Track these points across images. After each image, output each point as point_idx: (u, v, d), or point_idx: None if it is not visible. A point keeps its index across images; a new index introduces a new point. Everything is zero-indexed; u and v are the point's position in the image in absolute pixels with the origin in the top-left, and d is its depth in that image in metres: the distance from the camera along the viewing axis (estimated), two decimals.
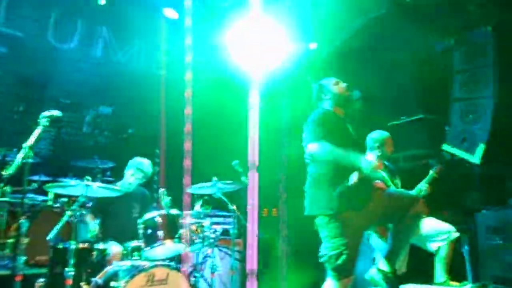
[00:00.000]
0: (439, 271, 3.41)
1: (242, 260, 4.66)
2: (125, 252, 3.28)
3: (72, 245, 3.04)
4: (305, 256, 4.11)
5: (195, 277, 3.74)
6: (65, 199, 4.29)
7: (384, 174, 3.61)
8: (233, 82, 4.74)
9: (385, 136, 3.75)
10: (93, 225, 3.54)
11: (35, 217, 4.08)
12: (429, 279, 3.46)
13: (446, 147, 4.60)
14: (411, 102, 5.11)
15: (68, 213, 3.19)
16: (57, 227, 3.18)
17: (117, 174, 4.41)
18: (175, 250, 3.55)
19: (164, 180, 4.86)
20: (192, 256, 4.02)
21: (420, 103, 5.05)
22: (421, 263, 3.56)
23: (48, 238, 3.18)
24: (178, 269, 3.29)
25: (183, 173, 4.03)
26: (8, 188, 3.66)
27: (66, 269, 2.98)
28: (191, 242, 3.55)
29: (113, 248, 3.45)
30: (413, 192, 3.64)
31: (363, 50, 5.02)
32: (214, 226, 3.90)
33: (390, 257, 2.86)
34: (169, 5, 5.29)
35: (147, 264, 3.17)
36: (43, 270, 3.37)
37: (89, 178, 3.25)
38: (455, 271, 3.49)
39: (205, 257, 4.06)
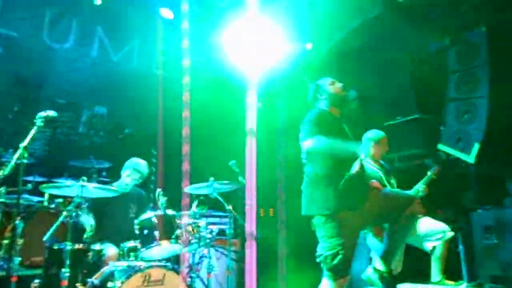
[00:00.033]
0: (435, 271, 3.42)
1: (239, 260, 4.66)
2: (121, 252, 3.27)
3: (68, 246, 3.03)
4: (304, 256, 4.10)
5: (191, 277, 3.73)
6: (61, 200, 4.27)
7: (380, 174, 3.62)
8: (230, 83, 4.74)
9: (380, 135, 3.76)
10: (89, 225, 3.52)
11: (30, 218, 4.05)
12: (426, 279, 3.47)
13: (441, 147, 4.62)
14: (406, 102, 5.13)
15: (64, 213, 3.17)
16: (53, 228, 3.16)
17: (113, 174, 4.39)
18: (172, 250, 3.54)
19: (162, 181, 4.85)
20: (188, 256, 4.01)
21: (415, 103, 5.07)
22: (418, 262, 3.57)
23: (43, 239, 3.16)
24: (174, 270, 3.28)
25: (180, 173, 4.02)
26: (3, 189, 3.63)
27: (62, 270, 2.97)
28: (188, 243, 3.55)
29: (110, 250, 3.44)
30: (410, 192, 3.65)
31: (359, 50, 5.03)
32: (210, 227, 3.89)
33: (386, 257, 2.87)
34: (165, 5, 5.28)
35: (143, 264, 3.17)
36: (39, 271, 3.34)
37: (85, 178, 3.24)
38: (451, 270, 3.51)
39: (201, 257, 4.04)
